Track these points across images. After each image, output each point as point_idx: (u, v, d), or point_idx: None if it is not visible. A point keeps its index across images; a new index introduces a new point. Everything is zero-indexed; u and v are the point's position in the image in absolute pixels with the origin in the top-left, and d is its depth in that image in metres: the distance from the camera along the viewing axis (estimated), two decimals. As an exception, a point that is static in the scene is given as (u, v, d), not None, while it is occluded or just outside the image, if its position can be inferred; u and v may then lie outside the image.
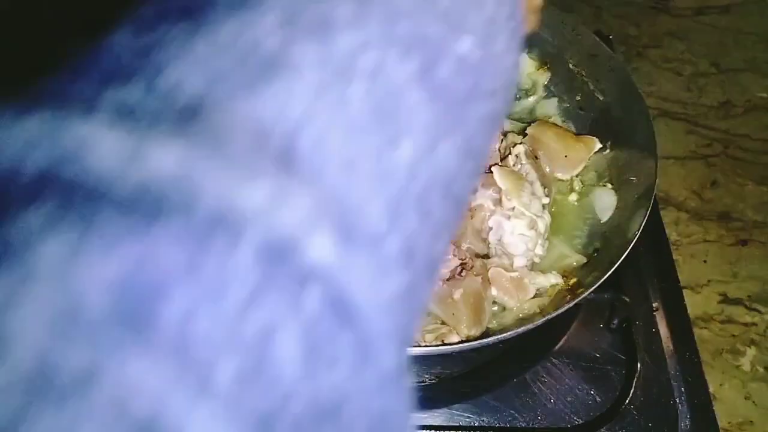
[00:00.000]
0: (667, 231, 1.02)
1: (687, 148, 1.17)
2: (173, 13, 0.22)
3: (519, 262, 0.80)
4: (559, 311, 0.73)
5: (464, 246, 0.81)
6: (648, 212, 0.78)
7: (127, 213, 0.17)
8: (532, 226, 0.80)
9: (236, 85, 0.20)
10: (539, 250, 0.81)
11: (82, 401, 0.15)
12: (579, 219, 0.89)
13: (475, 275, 0.78)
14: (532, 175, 0.85)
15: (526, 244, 0.80)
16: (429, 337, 0.75)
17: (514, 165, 0.86)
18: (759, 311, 0.97)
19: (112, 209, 0.17)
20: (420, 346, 0.75)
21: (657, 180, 0.81)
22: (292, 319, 0.18)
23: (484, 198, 0.81)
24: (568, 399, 0.84)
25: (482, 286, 0.77)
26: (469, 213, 0.82)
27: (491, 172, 0.82)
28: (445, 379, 0.86)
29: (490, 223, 0.81)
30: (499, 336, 0.74)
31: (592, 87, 0.96)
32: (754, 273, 1.01)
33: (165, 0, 0.22)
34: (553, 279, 0.81)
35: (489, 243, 0.82)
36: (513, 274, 0.80)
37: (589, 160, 0.91)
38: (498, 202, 0.81)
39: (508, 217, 0.80)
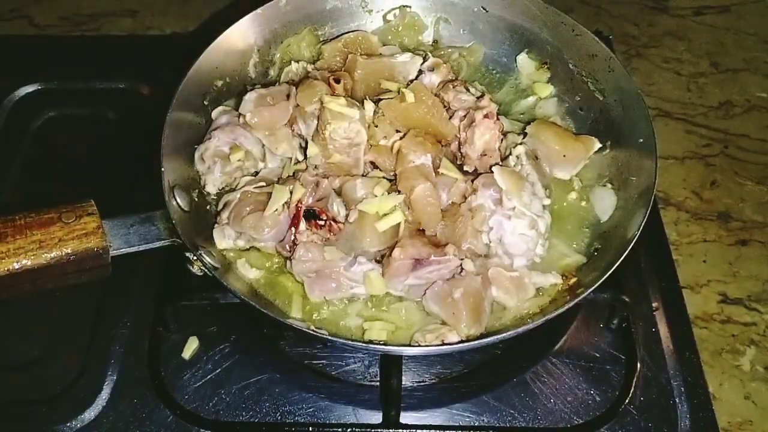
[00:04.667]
0: (666, 231, 1.02)
1: (686, 148, 1.17)
2: None
3: (519, 262, 0.80)
4: (559, 311, 0.73)
5: (464, 246, 0.81)
6: (648, 212, 0.78)
7: None
8: (533, 226, 0.80)
9: None
10: (539, 250, 0.81)
11: None
12: (579, 219, 0.88)
13: (476, 275, 0.78)
14: (533, 176, 0.85)
15: (526, 244, 0.80)
16: (429, 337, 0.76)
17: (515, 165, 0.86)
18: (759, 311, 0.98)
19: None
20: (420, 346, 0.76)
21: (656, 180, 0.81)
22: None
23: (484, 198, 0.81)
24: (568, 399, 0.84)
25: (482, 286, 0.77)
26: (470, 213, 0.82)
27: (492, 172, 0.82)
28: (445, 379, 0.87)
29: (491, 223, 0.81)
30: (499, 336, 0.74)
31: (591, 87, 0.96)
32: (753, 273, 1.02)
33: None
34: (553, 279, 0.81)
35: (489, 243, 0.82)
36: (513, 274, 0.80)
37: (588, 159, 0.91)
38: (498, 202, 0.81)
39: (509, 217, 0.80)
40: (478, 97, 0.90)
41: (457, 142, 0.89)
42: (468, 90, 0.92)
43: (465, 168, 0.88)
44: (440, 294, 0.78)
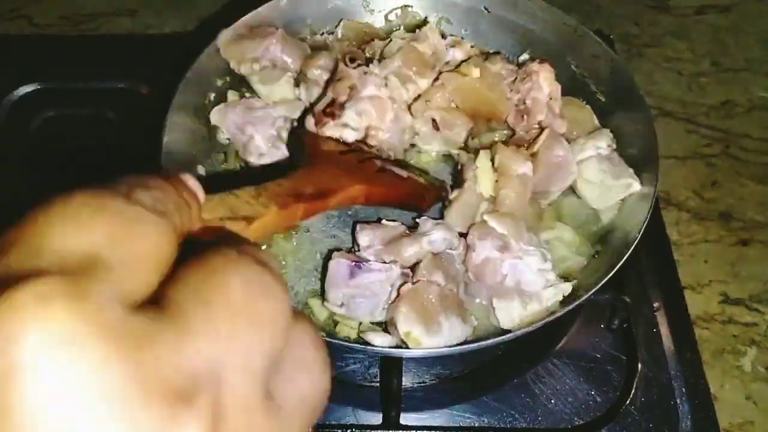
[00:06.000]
0: (667, 231, 1.02)
1: (688, 148, 1.17)
2: None
3: (546, 295, 0.76)
4: (560, 312, 0.73)
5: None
6: (649, 213, 0.78)
7: None
8: (545, 257, 0.78)
9: None
10: (552, 276, 0.78)
11: None
12: (579, 220, 0.88)
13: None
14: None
15: (545, 276, 0.77)
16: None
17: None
18: (760, 311, 0.97)
19: None
20: (420, 347, 0.75)
21: (658, 180, 0.81)
22: None
23: (486, 250, 0.77)
24: (569, 399, 0.84)
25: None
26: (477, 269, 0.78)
27: (485, 221, 0.79)
28: (445, 380, 0.86)
29: (504, 270, 0.77)
30: (499, 337, 0.74)
31: (593, 87, 0.96)
32: (755, 273, 1.01)
33: None
34: (564, 287, 0.78)
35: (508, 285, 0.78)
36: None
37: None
38: (504, 247, 0.77)
39: (521, 258, 0.77)
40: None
41: (514, 111, 0.90)
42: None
43: (524, 128, 0.89)
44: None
